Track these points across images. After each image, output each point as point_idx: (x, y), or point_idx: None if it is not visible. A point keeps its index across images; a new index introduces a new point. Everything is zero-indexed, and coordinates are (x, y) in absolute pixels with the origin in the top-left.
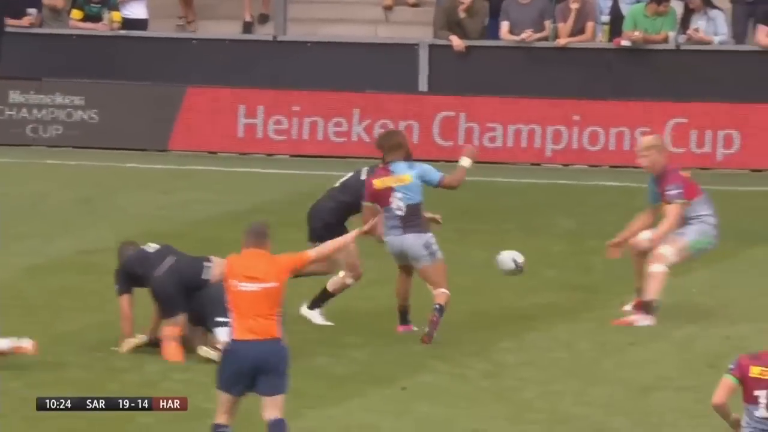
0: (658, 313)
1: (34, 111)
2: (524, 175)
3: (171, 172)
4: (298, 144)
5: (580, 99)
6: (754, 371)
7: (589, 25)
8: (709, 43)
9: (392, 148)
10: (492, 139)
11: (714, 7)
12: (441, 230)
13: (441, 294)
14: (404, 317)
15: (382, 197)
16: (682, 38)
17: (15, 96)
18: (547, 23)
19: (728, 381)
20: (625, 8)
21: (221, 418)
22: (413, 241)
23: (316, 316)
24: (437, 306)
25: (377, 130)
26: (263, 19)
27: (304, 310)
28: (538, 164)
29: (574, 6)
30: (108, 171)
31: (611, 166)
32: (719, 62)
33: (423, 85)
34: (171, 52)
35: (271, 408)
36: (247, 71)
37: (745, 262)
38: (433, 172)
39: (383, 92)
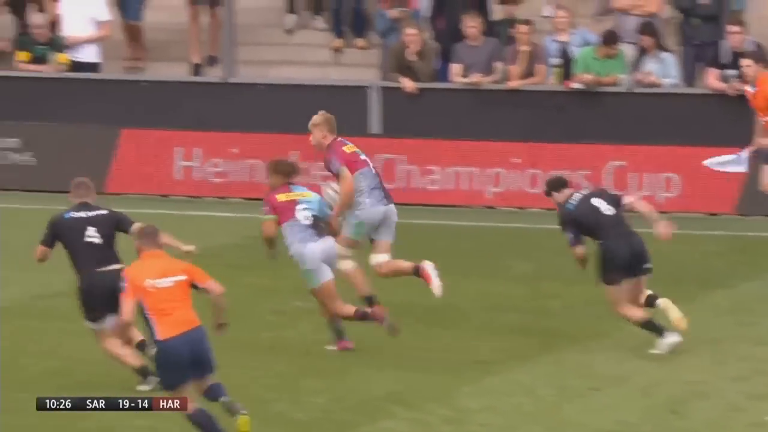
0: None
1: None
2: (477, 218)
3: None
4: (239, 187)
5: (524, 141)
6: None
7: (540, 67)
8: (659, 86)
9: (295, 173)
10: (432, 182)
11: (665, 49)
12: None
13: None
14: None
15: (285, 210)
16: (632, 81)
17: None
18: (498, 65)
19: None
20: (573, 51)
21: (195, 404)
22: (333, 245)
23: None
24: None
25: (316, 173)
26: (212, 61)
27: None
28: (492, 207)
29: (523, 48)
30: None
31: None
32: (669, 105)
33: (374, 127)
34: (118, 93)
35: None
36: (197, 113)
37: (705, 306)
38: (327, 208)
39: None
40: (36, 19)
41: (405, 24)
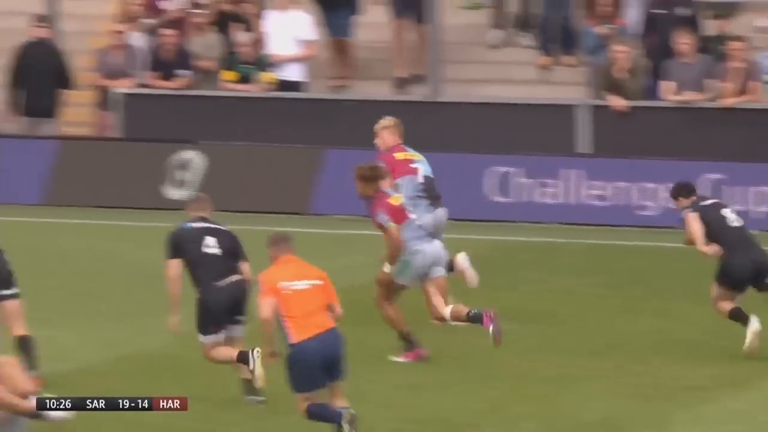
0: None
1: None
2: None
3: (325, 236)
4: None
5: (740, 161)
6: None
7: (755, 84)
8: None
9: (385, 177)
10: (644, 206)
11: None
12: (608, 298)
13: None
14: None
15: (399, 213)
16: None
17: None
18: (711, 83)
19: None
20: None
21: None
22: (441, 246)
23: None
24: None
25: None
26: (417, 79)
27: None
28: None
29: (737, 65)
30: (255, 235)
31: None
32: None
33: (582, 146)
34: (322, 113)
35: (341, 395)
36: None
37: None
38: None
39: (534, 155)
40: (241, 38)
41: (614, 41)
